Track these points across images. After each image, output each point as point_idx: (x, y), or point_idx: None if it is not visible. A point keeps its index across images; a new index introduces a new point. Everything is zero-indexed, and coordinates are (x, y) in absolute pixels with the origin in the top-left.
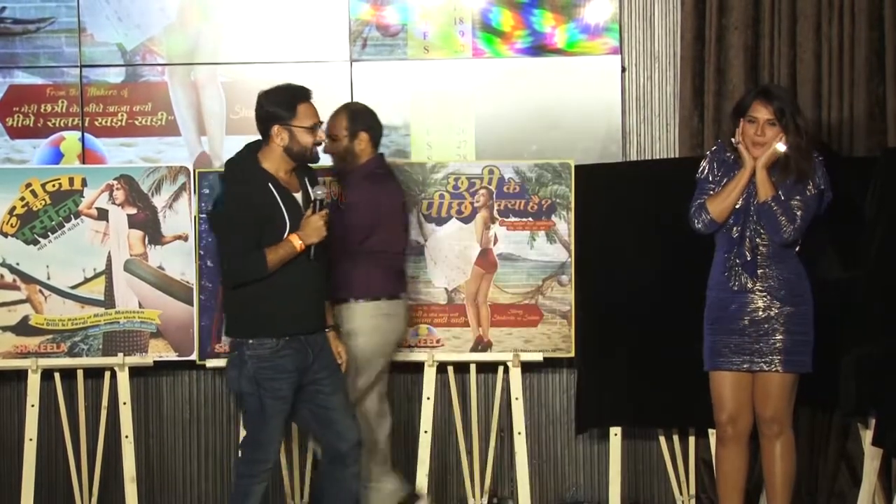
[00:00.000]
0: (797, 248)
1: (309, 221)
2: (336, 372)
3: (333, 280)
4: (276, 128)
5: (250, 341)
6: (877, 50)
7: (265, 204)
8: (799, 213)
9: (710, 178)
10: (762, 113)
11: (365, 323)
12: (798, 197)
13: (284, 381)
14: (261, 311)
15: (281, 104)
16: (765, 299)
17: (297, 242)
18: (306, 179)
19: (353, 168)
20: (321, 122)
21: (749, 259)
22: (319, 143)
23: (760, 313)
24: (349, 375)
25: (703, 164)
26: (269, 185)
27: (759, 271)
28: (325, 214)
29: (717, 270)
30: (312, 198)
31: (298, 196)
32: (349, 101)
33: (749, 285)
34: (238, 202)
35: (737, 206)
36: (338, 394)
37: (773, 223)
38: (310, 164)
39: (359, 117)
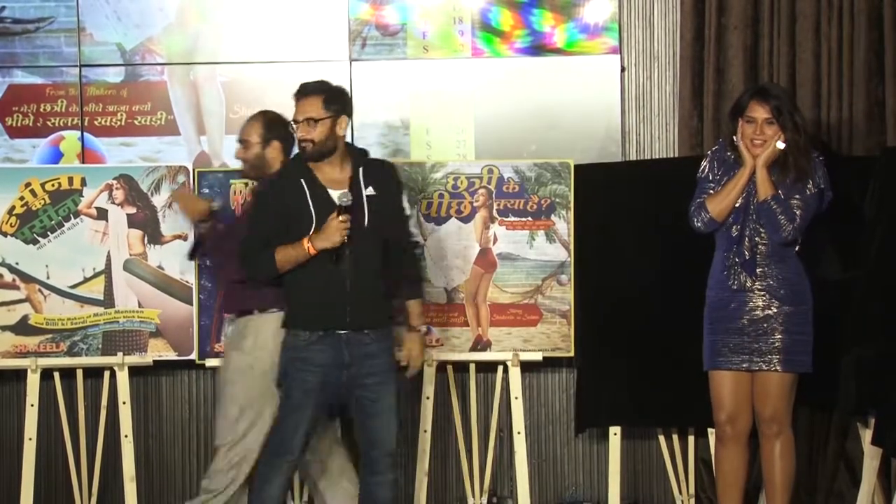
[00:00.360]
0: (797, 248)
1: (325, 226)
2: (386, 380)
3: (234, 292)
4: None
5: (288, 332)
6: (876, 50)
7: (294, 200)
8: (798, 212)
9: (711, 178)
10: (759, 112)
11: (270, 335)
12: (798, 196)
13: (311, 374)
14: (295, 304)
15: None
16: (764, 298)
17: (306, 245)
18: (360, 176)
19: (263, 176)
20: (299, 120)
21: (748, 258)
22: (303, 140)
23: (759, 312)
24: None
25: (704, 163)
26: (302, 181)
27: (759, 270)
28: (344, 220)
29: (716, 270)
30: (337, 202)
31: (336, 194)
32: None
33: (748, 284)
34: (258, 200)
35: (736, 206)
36: (382, 401)
37: (772, 222)
38: (367, 159)
39: (273, 126)
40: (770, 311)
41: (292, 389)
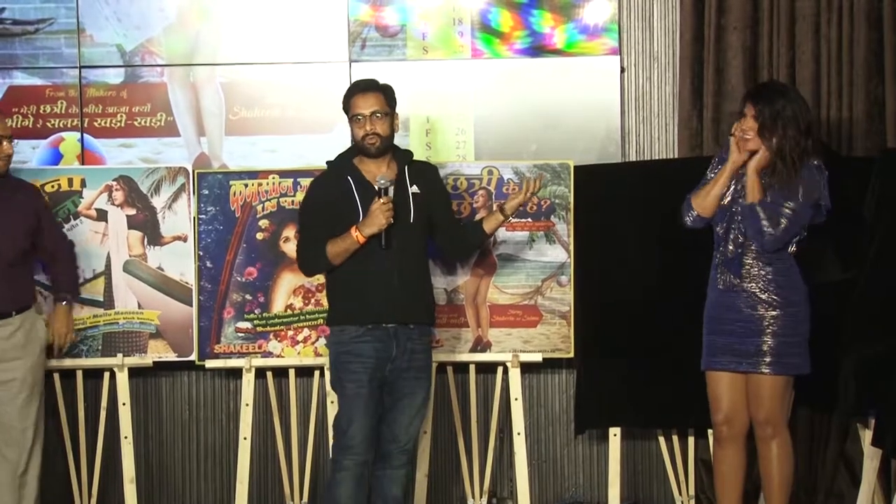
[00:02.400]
0: (793, 249)
1: (369, 211)
2: (422, 377)
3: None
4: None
5: (334, 328)
6: (875, 51)
7: (341, 196)
8: (784, 221)
9: (710, 178)
10: (748, 111)
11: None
12: (791, 204)
13: (361, 364)
14: (341, 300)
15: (344, 99)
16: (750, 300)
17: (354, 234)
18: (406, 174)
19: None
20: (366, 114)
21: (731, 257)
22: (369, 135)
23: (746, 313)
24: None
25: (711, 167)
26: (349, 177)
27: (744, 270)
28: (386, 201)
29: (712, 269)
30: (377, 187)
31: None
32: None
33: (734, 283)
34: (306, 197)
35: (723, 203)
36: (414, 397)
37: (754, 226)
38: (411, 158)
39: None
40: (756, 314)
41: (344, 383)
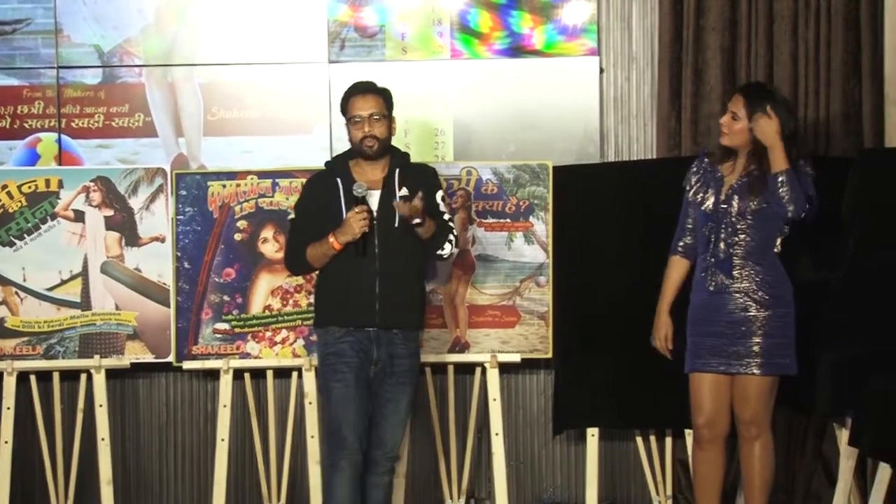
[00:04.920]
0: (777, 250)
1: (345, 219)
2: (406, 382)
3: None
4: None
5: (319, 331)
6: (853, 51)
7: (330, 197)
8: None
9: (688, 187)
10: (735, 106)
11: None
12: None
13: (346, 364)
14: (325, 303)
15: (343, 101)
16: (742, 301)
17: (331, 240)
18: (396, 177)
19: None
20: (364, 116)
21: (723, 258)
22: (367, 137)
23: (738, 315)
24: None
25: (688, 174)
26: (338, 179)
27: (735, 272)
28: (361, 210)
29: (697, 271)
30: (354, 194)
31: (377, 193)
32: None
33: (725, 284)
34: (299, 197)
35: (705, 208)
36: (398, 403)
37: (794, 193)
38: (407, 161)
39: None
40: (749, 314)
41: (331, 383)
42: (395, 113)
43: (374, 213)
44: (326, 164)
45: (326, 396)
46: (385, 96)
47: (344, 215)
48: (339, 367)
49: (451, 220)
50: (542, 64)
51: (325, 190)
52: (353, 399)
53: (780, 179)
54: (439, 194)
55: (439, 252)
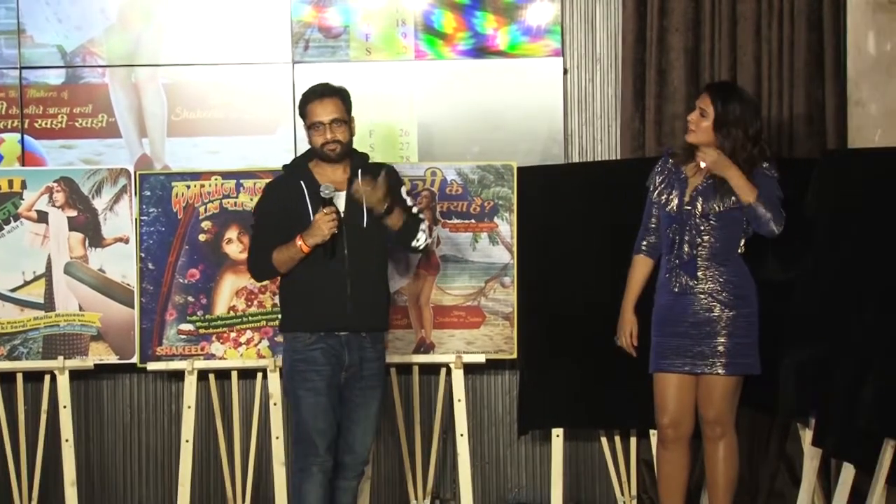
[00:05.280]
0: (741, 250)
1: (313, 221)
2: (375, 386)
3: None
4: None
5: (287, 335)
6: (816, 52)
7: (294, 202)
8: (778, 204)
9: (652, 188)
10: (703, 103)
11: None
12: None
13: (317, 373)
14: (293, 307)
15: (301, 106)
16: (707, 301)
17: (298, 243)
18: (359, 177)
19: None
20: (325, 121)
21: (687, 260)
22: (329, 142)
23: (702, 315)
24: None
25: (651, 174)
26: (301, 182)
27: (700, 273)
28: (329, 212)
29: (661, 273)
30: (321, 195)
31: (342, 194)
32: None
33: (690, 285)
34: (259, 201)
35: (669, 210)
36: (367, 408)
37: (764, 226)
38: (366, 162)
39: None
40: (713, 314)
41: (299, 391)
42: (357, 113)
43: (342, 214)
44: (285, 167)
45: (295, 403)
46: (343, 97)
47: (311, 218)
48: (309, 375)
49: (420, 212)
50: (507, 65)
51: (287, 193)
52: (323, 408)
53: (758, 211)
54: (403, 189)
55: (414, 243)
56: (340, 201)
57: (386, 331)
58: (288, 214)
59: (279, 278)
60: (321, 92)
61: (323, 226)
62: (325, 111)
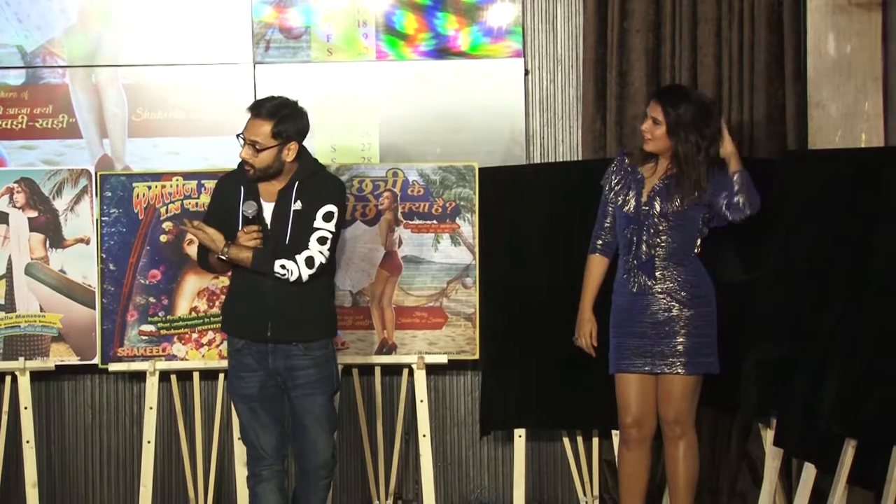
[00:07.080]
0: (697, 250)
1: (236, 238)
2: (312, 392)
3: None
4: None
5: (227, 338)
6: (776, 53)
7: (231, 205)
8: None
9: (607, 187)
10: (653, 111)
11: None
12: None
13: (247, 378)
14: (227, 311)
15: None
16: (665, 301)
17: (222, 248)
18: (294, 191)
19: None
20: (246, 140)
21: (645, 260)
22: (245, 161)
23: (661, 315)
24: None
25: (607, 174)
26: (241, 187)
27: (658, 273)
28: (249, 230)
29: (619, 273)
30: (241, 214)
31: (270, 206)
32: None
33: (648, 285)
34: (211, 197)
35: (627, 210)
36: (308, 415)
37: (752, 195)
38: (309, 174)
39: None
40: (672, 314)
41: (234, 397)
42: (319, 115)
43: (268, 226)
44: (239, 165)
45: (236, 409)
46: (278, 122)
47: (239, 223)
48: (240, 381)
49: (321, 239)
50: (468, 66)
51: (231, 192)
52: (261, 415)
53: (744, 178)
54: (323, 210)
55: (276, 272)
56: (269, 213)
57: (328, 337)
58: (225, 214)
59: None
60: (255, 107)
61: (245, 245)
62: (250, 130)
